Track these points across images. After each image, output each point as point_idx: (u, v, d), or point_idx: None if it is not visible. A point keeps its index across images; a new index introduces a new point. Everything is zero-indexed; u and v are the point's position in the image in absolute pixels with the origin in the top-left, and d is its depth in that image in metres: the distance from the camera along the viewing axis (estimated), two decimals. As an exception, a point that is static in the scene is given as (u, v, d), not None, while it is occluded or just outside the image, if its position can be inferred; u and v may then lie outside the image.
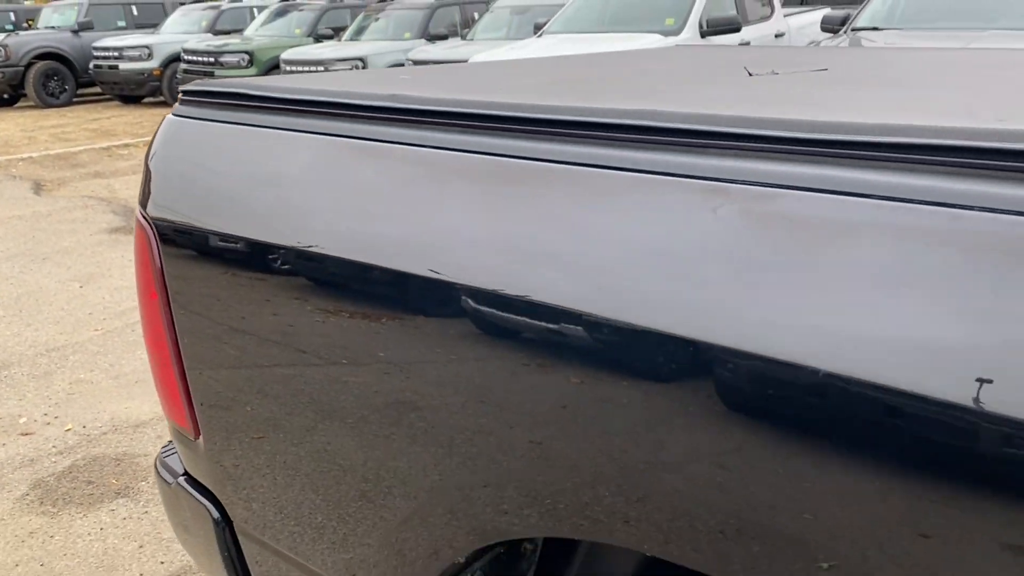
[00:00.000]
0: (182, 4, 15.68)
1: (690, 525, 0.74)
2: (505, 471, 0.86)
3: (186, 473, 1.33)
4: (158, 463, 1.43)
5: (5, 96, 14.53)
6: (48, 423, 3.13)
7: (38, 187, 7.61)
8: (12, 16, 17.47)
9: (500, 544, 0.97)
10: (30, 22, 16.46)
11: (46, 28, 15.00)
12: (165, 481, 1.37)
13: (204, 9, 14.80)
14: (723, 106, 0.88)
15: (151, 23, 15.25)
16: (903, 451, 0.62)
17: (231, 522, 1.27)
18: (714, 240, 0.70)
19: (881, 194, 0.64)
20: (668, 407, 0.73)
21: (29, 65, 13.87)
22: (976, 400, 0.57)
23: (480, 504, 0.90)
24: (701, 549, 0.75)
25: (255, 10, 14.36)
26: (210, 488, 1.27)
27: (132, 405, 3.22)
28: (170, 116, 1.22)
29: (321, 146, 1.03)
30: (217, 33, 13.87)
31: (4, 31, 15.70)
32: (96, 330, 4.01)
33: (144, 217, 1.19)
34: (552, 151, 0.83)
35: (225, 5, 14.89)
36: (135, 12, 15.56)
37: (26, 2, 21.93)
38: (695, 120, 0.77)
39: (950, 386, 0.59)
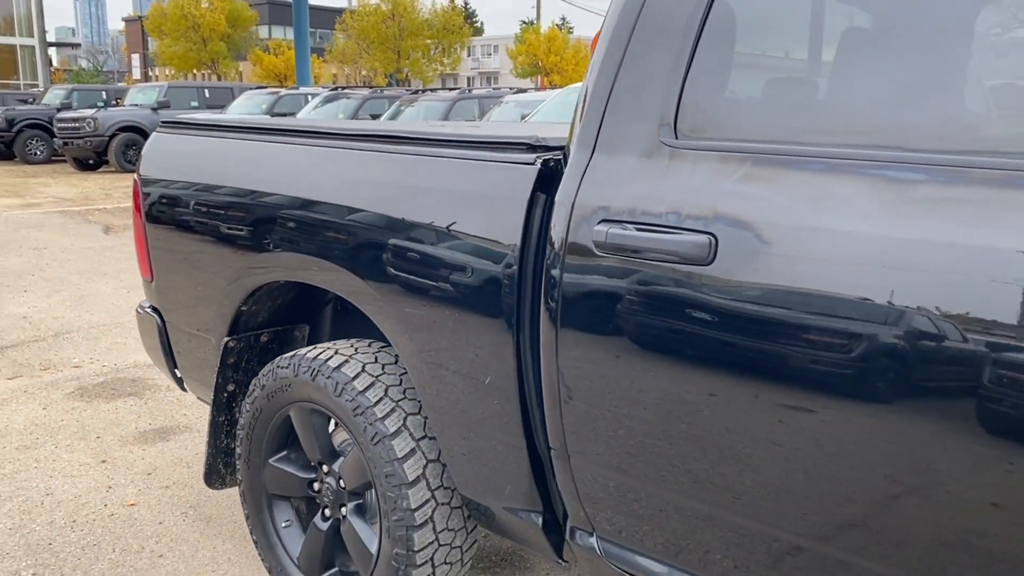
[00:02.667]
0: (247, 89, 17.87)
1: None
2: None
3: (148, 304, 2.76)
4: (138, 308, 2.85)
5: (91, 161, 16.76)
6: (91, 363, 4.59)
7: (108, 229, 9.35)
8: (104, 95, 19.97)
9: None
10: (118, 100, 18.85)
11: (131, 105, 17.30)
12: (138, 312, 2.80)
13: (266, 94, 16.91)
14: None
15: (220, 105, 17.43)
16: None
17: (166, 323, 2.68)
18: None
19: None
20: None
21: (113, 136, 16.07)
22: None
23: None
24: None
25: (309, 96, 16.38)
26: (156, 307, 2.69)
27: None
28: (155, 133, 2.69)
29: (212, 142, 2.47)
30: (274, 115, 15.89)
31: (96, 107, 18.06)
32: (133, 316, 5.51)
33: (137, 176, 2.65)
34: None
35: (283, 92, 16.99)
36: (207, 95, 17.82)
37: (120, 83, 24.71)
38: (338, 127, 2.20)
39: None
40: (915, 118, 1.30)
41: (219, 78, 47.61)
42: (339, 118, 14.81)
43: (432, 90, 15.32)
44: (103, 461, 3.32)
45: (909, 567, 1.26)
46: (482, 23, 76.12)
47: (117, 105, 18.22)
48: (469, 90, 14.17)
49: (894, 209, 1.24)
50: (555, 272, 1.60)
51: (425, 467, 2.00)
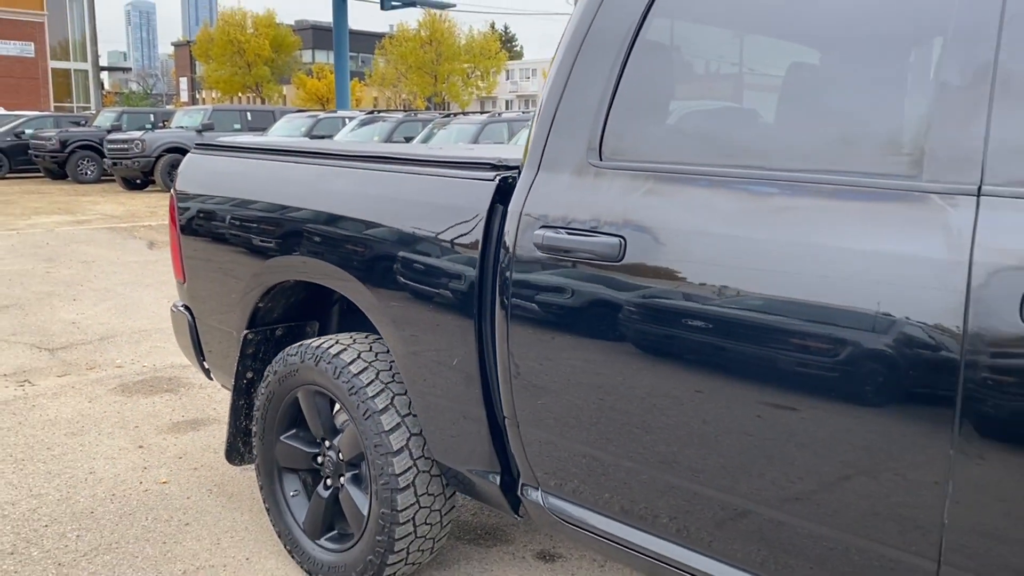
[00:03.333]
0: (288, 113, 18.53)
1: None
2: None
3: (181, 303, 3.15)
4: (172, 307, 3.24)
5: (138, 180, 17.49)
6: (133, 363, 5.01)
7: (152, 244, 9.89)
8: (152, 117, 20.80)
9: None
10: (165, 123, 19.64)
11: (176, 127, 18.04)
12: (172, 311, 3.19)
13: (305, 117, 17.54)
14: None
15: (262, 127, 18.11)
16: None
17: (195, 320, 3.06)
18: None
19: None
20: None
21: (159, 156, 16.79)
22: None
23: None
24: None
25: (346, 119, 16.96)
26: (188, 305, 3.08)
27: (184, 359, 5.08)
28: (189, 154, 3.09)
29: (236, 162, 2.86)
30: (312, 137, 16.47)
31: (144, 129, 18.84)
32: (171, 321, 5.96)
33: (173, 192, 3.05)
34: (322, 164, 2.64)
35: (322, 115, 17.60)
36: (249, 117, 18.51)
37: (168, 106, 25.71)
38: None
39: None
40: (771, 144, 1.63)
41: (263, 101, 48.89)
42: (373, 140, 15.34)
43: (466, 113, 15.82)
44: (140, 446, 3.71)
45: (805, 514, 1.57)
46: (522, 47, 77.01)
47: (164, 127, 18.99)
48: (499, 113, 14.61)
49: (753, 216, 1.57)
50: (507, 270, 1.94)
51: (408, 439, 2.34)
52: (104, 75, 51.66)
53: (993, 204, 1.32)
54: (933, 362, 1.34)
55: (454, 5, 25.78)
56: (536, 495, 2.06)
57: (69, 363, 4.99)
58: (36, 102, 35.40)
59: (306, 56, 63.31)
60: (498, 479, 2.15)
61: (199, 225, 2.94)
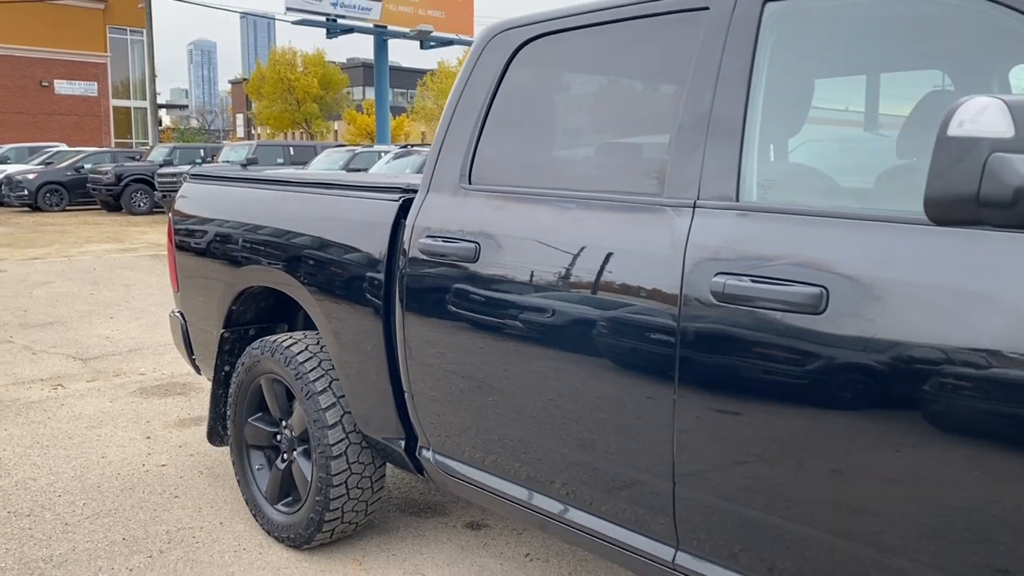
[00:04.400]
0: (328, 147, 19.39)
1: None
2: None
3: (176, 309, 3.70)
4: (170, 313, 3.79)
5: (185, 212, 18.40)
6: (154, 372, 5.61)
7: (189, 270, 10.62)
8: (202, 152, 21.88)
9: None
10: (214, 157, 20.66)
11: (224, 162, 19.00)
12: (170, 316, 3.74)
13: (344, 152, 18.35)
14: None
15: (303, 161, 18.97)
16: (285, 245, 2.91)
17: (187, 322, 3.61)
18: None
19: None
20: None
21: (206, 189, 17.69)
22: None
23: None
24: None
25: (381, 153, 17.72)
26: (181, 310, 3.63)
27: (200, 366, 5.65)
28: (184, 183, 3.66)
29: (225, 189, 3.42)
30: (349, 171, 17.25)
31: (194, 163, 19.86)
32: (195, 338, 6.56)
33: (171, 215, 3.62)
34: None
35: (359, 149, 18.40)
36: (291, 152, 19.42)
37: (224, 141, 26.96)
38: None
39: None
40: (573, 172, 2.11)
41: (311, 137, 50.46)
42: (406, 172, 16.05)
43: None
44: (148, 437, 4.26)
45: (594, 454, 2.03)
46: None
47: (212, 162, 19.99)
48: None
49: (560, 225, 2.05)
50: (403, 271, 2.44)
51: (342, 416, 2.84)
52: (163, 112, 53.74)
53: (702, 213, 1.78)
54: (664, 326, 1.79)
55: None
56: (429, 454, 2.54)
57: (99, 371, 5.61)
58: (98, 138, 37.18)
59: (356, 92, 65.14)
60: (403, 444, 2.63)
61: (189, 242, 3.49)
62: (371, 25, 21.89)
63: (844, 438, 1.53)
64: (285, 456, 3.10)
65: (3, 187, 21.40)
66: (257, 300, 3.30)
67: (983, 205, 1.13)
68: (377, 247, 2.56)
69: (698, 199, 1.80)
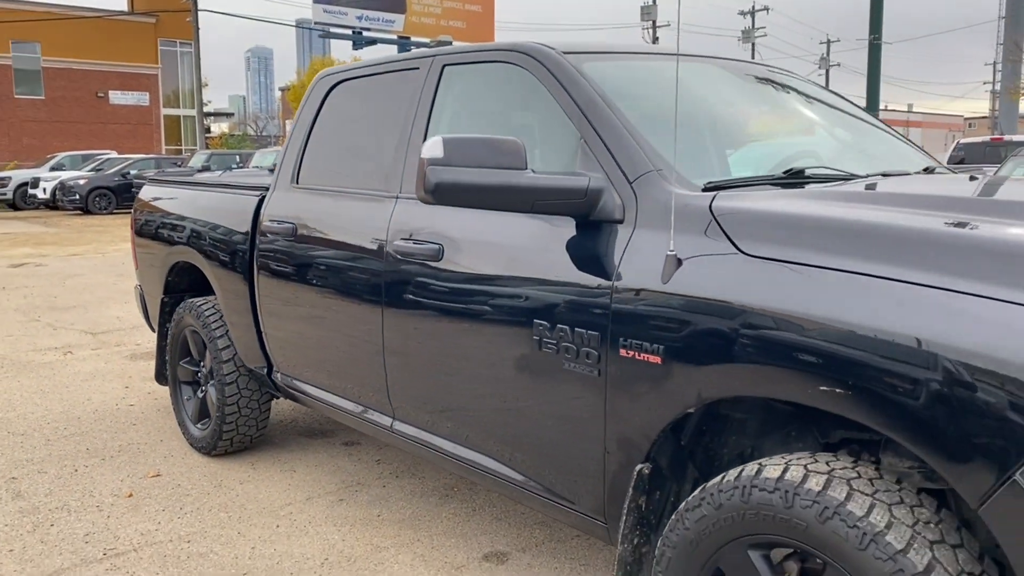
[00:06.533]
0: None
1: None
2: (169, 251, 4.29)
3: (136, 283, 4.81)
4: (134, 287, 4.89)
5: (218, 214, 19.83)
6: (148, 343, 6.74)
7: (205, 264, 11.89)
8: (237, 159, 23.34)
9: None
10: (246, 162, 22.08)
11: (253, 167, 20.38)
12: (134, 289, 4.84)
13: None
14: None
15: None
16: (195, 229, 3.99)
17: (144, 292, 4.71)
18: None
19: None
20: (181, 230, 4.15)
21: (236, 193, 19.09)
22: (196, 218, 3.95)
23: (168, 261, 4.34)
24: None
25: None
26: (140, 283, 4.74)
27: (185, 338, 6.78)
28: (145, 185, 4.76)
29: (183, 190, 4.52)
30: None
31: (228, 168, 21.31)
32: (189, 318, 7.71)
33: (134, 209, 4.72)
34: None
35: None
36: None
37: (274, 147, 28.48)
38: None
39: (195, 217, 3.96)
40: (344, 172, 3.14)
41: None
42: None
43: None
44: (126, 387, 5.39)
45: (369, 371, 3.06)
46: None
47: (245, 166, 21.39)
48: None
49: (336, 209, 3.07)
50: (257, 246, 3.48)
51: (234, 355, 3.89)
52: (212, 120, 55.75)
53: (401, 202, 2.78)
54: (377, 270, 2.80)
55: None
56: (278, 376, 3.58)
57: (103, 342, 6.78)
58: (150, 146, 39.20)
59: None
60: (265, 370, 3.68)
61: (142, 229, 4.59)
62: (395, 36, 23.10)
63: (458, 334, 2.51)
64: (203, 388, 4.17)
65: (58, 192, 23.15)
66: (185, 273, 4.38)
67: (427, 192, 2.10)
68: (244, 228, 3.61)
69: (399, 193, 2.80)
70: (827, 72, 60.42)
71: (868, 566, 1.55)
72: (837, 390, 1.61)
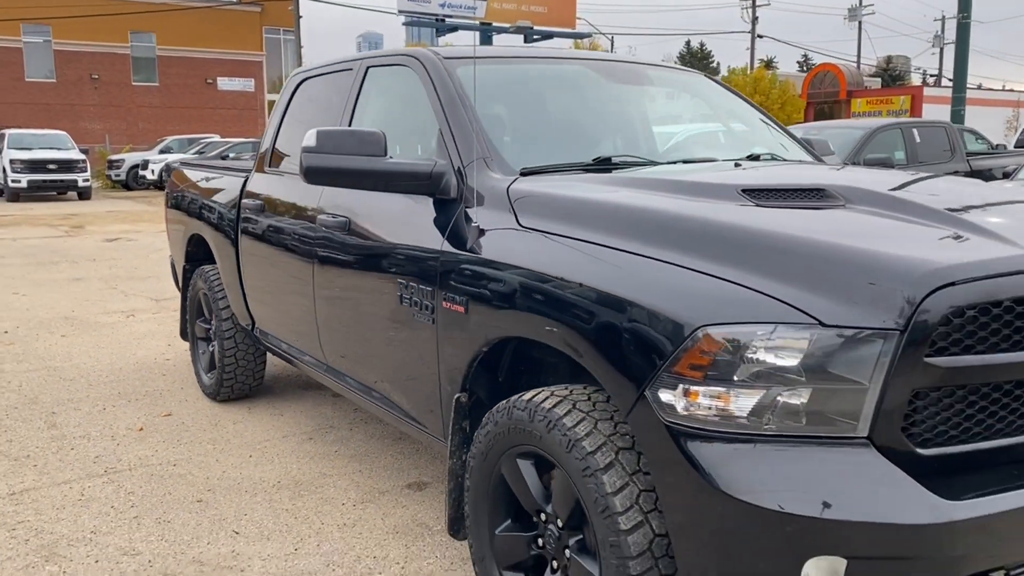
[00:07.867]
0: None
1: (195, 225, 4.82)
2: (187, 225, 4.98)
3: (170, 254, 5.54)
4: (169, 256, 5.63)
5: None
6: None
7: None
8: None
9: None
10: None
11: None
12: (169, 258, 5.58)
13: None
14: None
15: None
16: (202, 206, 4.65)
17: (174, 261, 5.43)
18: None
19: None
20: (194, 207, 4.83)
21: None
22: (202, 196, 4.62)
23: (187, 234, 5.04)
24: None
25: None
26: (172, 253, 5.46)
27: (233, 305, 7.57)
28: (176, 167, 5.47)
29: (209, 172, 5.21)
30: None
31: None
32: (244, 288, 8.52)
33: (168, 186, 5.44)
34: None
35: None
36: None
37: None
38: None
39: (202, 195, 4.63)
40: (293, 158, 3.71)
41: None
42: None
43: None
44: (168, 345, 6.16)
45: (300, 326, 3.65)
46: (718, 63, 77.26)
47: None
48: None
49: (286, 188, 3.65)
50: (241, 219, 4.10)
51: (232, 315, 4.54)
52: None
53: (324, 181, 3.34)
54: (312, 238, 3.36)
55: (590, 36, 27.87)
56: (257, 330, 4.20)
57: (163, 307, 7.63)
58: (255, 130, 41.16)
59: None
60: (251, 326, 4.30)
61: (172, 203, 5.30)
62: (476, 23, 23.64)
63: (356, 292, 3.04)
64: (212, 343, 4.85)
65: (163, 174, 24.81)
66: (201, 244, 5.05)
67: (302, 174, 2.64)
68: (232, 203, 4.23)
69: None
70: (940, 51, 57.66)
71: (571, 464, 2.01)
72: (554, 329, 2.07)
